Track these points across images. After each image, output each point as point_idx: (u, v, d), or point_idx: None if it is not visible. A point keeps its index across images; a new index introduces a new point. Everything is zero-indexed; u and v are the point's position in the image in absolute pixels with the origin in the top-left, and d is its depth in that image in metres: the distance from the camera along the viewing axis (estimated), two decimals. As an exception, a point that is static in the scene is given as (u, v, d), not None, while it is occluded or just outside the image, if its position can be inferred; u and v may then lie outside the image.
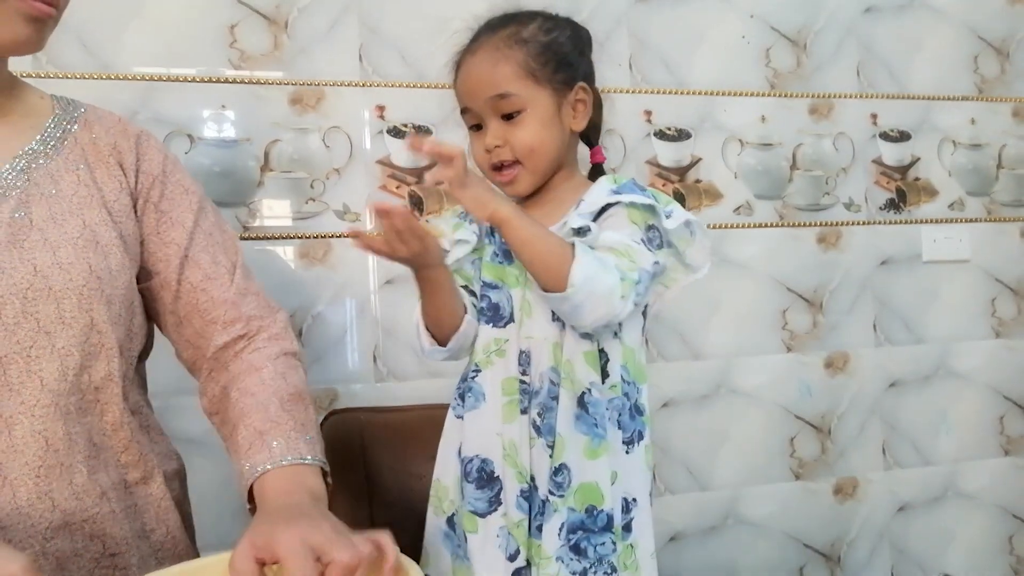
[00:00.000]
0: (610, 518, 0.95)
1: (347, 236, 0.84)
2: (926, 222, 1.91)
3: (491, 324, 1.01)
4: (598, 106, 1.07)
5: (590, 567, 0.94)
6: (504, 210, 0.90)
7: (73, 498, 0.83)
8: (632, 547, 0.98)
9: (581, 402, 0.96)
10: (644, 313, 1.04)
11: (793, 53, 1.82)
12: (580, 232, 0.95)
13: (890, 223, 1.88)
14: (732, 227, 1.77)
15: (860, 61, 1.86)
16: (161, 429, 0.98)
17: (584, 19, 1.69)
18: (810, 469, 1.81)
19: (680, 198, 1.74)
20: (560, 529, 0.94)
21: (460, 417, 1.03)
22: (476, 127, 1.02)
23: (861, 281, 1.85)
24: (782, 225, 1.81)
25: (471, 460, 1.00)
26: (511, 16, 1.02)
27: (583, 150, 1.09)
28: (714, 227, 1.76)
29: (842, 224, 1.84)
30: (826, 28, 1.84)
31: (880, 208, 1.88)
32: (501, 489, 0.98)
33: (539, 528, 0.96)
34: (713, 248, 1.73)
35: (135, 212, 0.94)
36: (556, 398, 0.96)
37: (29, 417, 0.81)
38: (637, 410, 1.00)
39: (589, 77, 1.04)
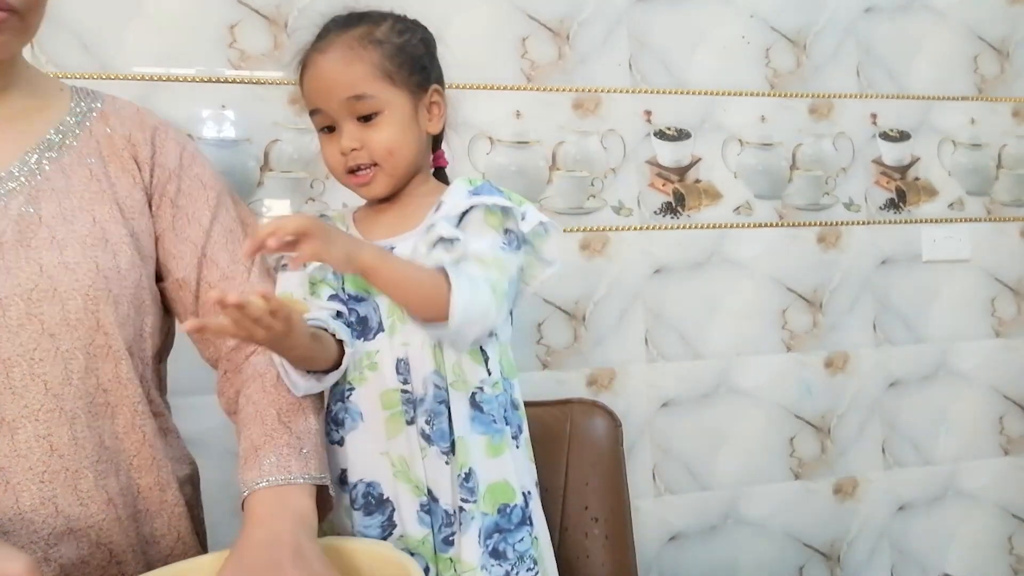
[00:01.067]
0: (523, 511, 0.94)
1: (187, 330, 0.78)
2: (926, 222, 1.91)
3: (361, 338, 0.95)
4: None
5: (511, 568, 0.92)
6: (367, 259, 0.85)
7: (78, 504, 0.81)
8: (536, 539, 0.96)
9: (474, 402, 0.94)
10: (510, 312, 1.02)
11: (793, 53, 1.82)
12: (448, 242, 0.92)
13: (890, 223, 1.88)
14: (732, 227, 1.77)
15: (860, 61, 1.86)
16: (177, 432, 0.96)
17: (584, 19, 1.71)
18: (810, 469, 1.81)
19: (680, 198, 1.74)
20: (479, 536, 0.92)
21: (337, 443, 0.97)
22: (328, 129, 0.97)
23: (861, 281, 1.85)
24: (782, 225, 1.81)
25: (355, 486, 0.95)
26: (362, 14, 0.99)
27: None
28: (714, 227, 1.76)
29: (842, 224, 1.84)
30: (826, 28, 1.84)
31: (880, 208, 1.88)
32: (394, 510, 0.93)
33: (445, 540, 0.92)
34: (713, 248, 1.75)
35: (149, 208, 0.92)
36: (444, 402, 0.93)
37: (33, 421, 0.80)
38: (513, 405, 0.99)
39: (440, 80, 1.02)
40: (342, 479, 0.97)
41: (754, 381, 1.78)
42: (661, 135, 1.73)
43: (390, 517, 0.94)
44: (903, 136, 1.89)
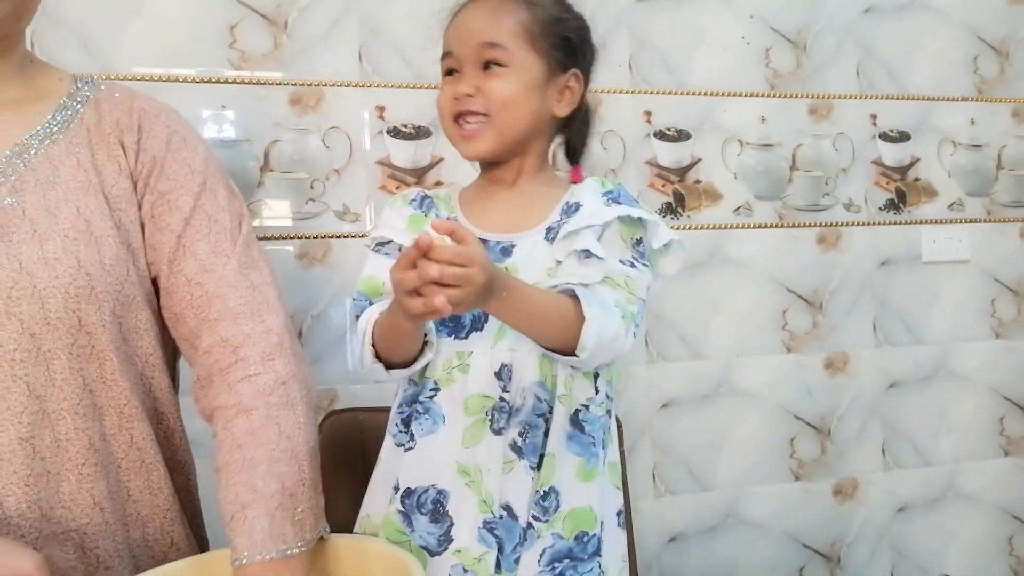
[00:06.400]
0: (600, 542, 0.89)
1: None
2: (926, 222, 1.91)
3: (452, 336, 0.90)
4: (585, 119, 1.02)
5: None
6: (495, 305, 0.78)
7: (60, 507, 0.79)
8: (604, 572, 0.91)
9: (576, 420, 0.89)
10: None
11: (793, 53, 1.82)
12: (586, 256, 0.86)
13: (890, 223, 1.88)
14: (732, 227, 1.77)
15: (860, 62, 1.86)
16: (182, 433, 0.93)
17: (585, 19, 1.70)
18: (810, 469, 1.81)
19: (680, 199, 1.74)
20: (541, 556, 0.87)
21: (402, 446, 0.92)
22: (451, 72, 0.95)
23: (861, 281, 1.85)
24: (782, 225, 1.81)
25: (426, 490, 0.89)
26: None
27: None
28: (714, 227, 1.76)
29: (842, 224, 1.84)
30: (826, 29, 1.84)
31: (880, 208, 1.88)
32: (452, 524, 0.88)
33: (518, 561, 0.87)
34: (713, 248, 1.75)
35: (137, 196, 0.87)
36: (542, 415, 0.88)
37: (15, 424, 0.77)
38: (606, 427, 0.94)
39: (584, 71, 0.98)
40: (397, 484, 0.91)
41: (754, 382, 1.78)
42: (661, 135, 1.73)
43: (448, 531, 0.88)
44: (903, 137, 1.89)
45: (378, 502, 0.93)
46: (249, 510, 0.77)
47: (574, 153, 1.03)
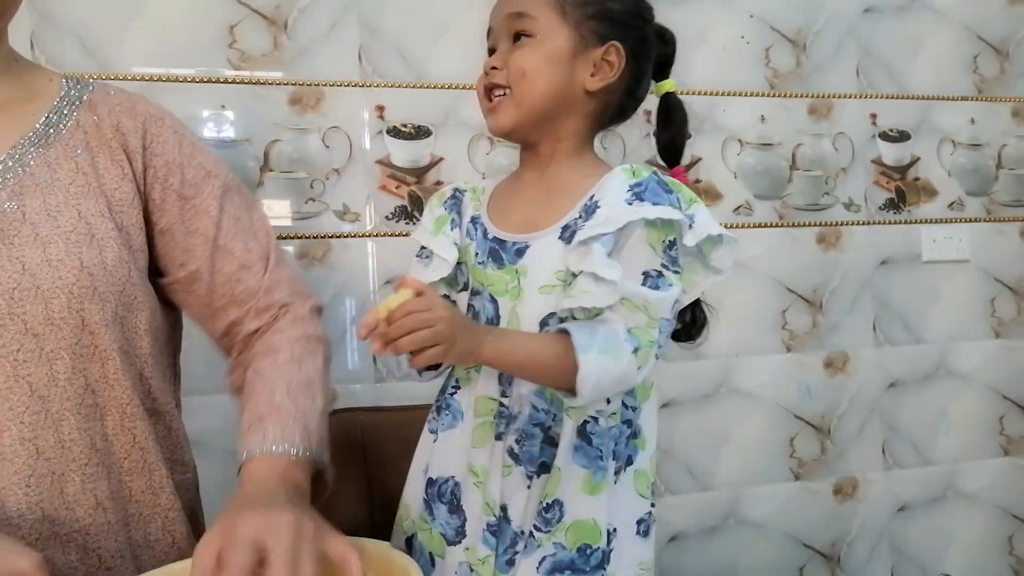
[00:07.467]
0: (604, 556, 0.87)
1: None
2: (926, 222, 1.91)
3: None
4: (681, 120, 0.98)
5: None
6: (486, 354, 0.81)
7: (63, 508, 0.79)
8: None
9: (583, 432, 0.86)
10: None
11: (793, 53, 1.82)
12: (599, 279, 0.81)
13: (890, 223, 1.88)
14: (732, 227, 1.77)
15: (860, 61, 1.86)
16: (184, 434, 0.93)
17: (584, 19, 1.70)
18: (810, 469, 1.81)
19: (680, 198, 1.74)
20: (539, 564, 0.85)
21: (433, 432, 0.95)
22: (492, 52, 0.93)
23: (861, 281, 1.85)
24: (782, 225, 1.81)
25: (446, 481, 0.92)
26: None
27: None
28: (714, 227, 1.76)
29: (842, 224, 1.84)
30: (826, 28, 1.84)
31: (880, 208, 1.88)
32: (466, 520, 0.89)
33: (508, 563, 0.87)
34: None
35: (142, 199, 0.88)
36: (539, 424, 0.87)
37: (18, 424, 0.77)
38: (633, 434, 0.90)
39: (634, 48, 0.93)
40: (426, 470, 0.94)
41: (754, 381, 1.78)
42: (661, 135, 1.73)
43: (463, 525, 0.89)
44: (903, 136, 1.89)
45: (411, 486, 0.98)
46: (266, 420, 0.81)
47: (672, 153, 0.99)
